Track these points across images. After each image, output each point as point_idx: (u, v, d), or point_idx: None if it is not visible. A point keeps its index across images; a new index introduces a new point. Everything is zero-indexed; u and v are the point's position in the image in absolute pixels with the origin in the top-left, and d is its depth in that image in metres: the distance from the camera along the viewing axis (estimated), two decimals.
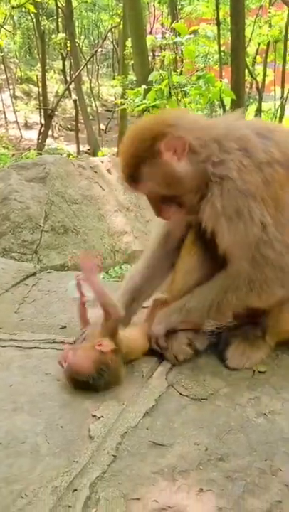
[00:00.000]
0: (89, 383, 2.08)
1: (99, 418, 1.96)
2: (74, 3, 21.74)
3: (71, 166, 5.74)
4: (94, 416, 1.97)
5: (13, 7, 13.88)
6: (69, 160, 6.25)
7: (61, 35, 21.05)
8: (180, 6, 23.36)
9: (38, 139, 20.26)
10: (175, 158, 2.06)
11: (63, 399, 2.08)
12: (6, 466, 1.73)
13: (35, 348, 2.42)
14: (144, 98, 8.03)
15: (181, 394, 2.13)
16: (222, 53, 15.87)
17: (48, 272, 3.26)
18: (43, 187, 4.98)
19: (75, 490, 1.64)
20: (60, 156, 6.67)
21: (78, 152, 19.99)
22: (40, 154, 17.09)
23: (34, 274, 3.23)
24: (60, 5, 21.05)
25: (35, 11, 14.01)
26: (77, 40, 23.38)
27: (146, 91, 8.12)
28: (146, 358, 2.36)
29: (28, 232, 4.52)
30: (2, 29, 13.50)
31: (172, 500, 1.62)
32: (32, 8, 12.40)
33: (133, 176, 2.12)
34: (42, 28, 20.38)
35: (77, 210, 5.19)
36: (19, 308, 2.84)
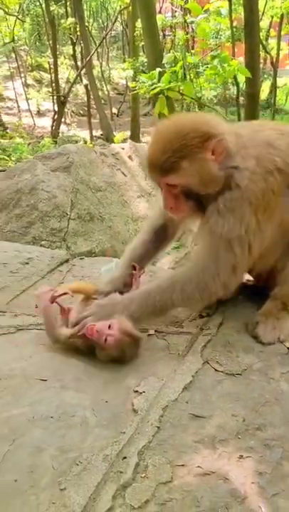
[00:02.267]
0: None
1: (141, 393, 2.09)
2: None
3: (93, 154, 5.85)
4: (136, 391, 2.11)
5: None
6: (91, 148, 6.35)
7: (70, 19, 20.95)
8: None
9: (52, 126, 20.33)
10: (214, 158, 2.21)
11: (106, 377, 2.22)
12: (60, 437, 1.87)
13: None
14: (159, 81, 8.04)
15: (216, 370, 2.25)
16: (234, 29, 15.69)
17: (80, 259, 3.40)
18: (67, 176, 5.09)
19: (125, 457, 1.78)
20: (83, 145, 6.78)
21: (92, 138, 20.03)
22: (56, 142, 17.21)
23: (67, 260, 3.37)
24: None
25: None
26: (86, 23, 23.23)
27: (161, 73, 8.14)
28: (182, 338, 2.49)
29: (56, 221, 4.64)
30: (14, 18, 13.50)
31: (214, 465, 1.76)
32: None
33: (168, 167, 2.23)
34: (52, 13, 20.27)
35: (102, 197, 5.30)
36: None
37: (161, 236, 2.79)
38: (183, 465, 1.76)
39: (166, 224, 2.75)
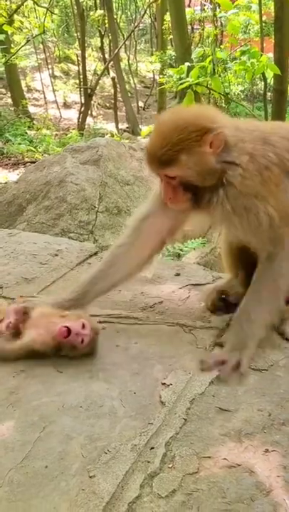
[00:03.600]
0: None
1: (168, 386, 2.13)
2: None
3: (122, 148, 5.89)
4: (164, 384, 2.15)
5: None
6: (120, 142, 6.38)
7: (99, 11, 20.97)
8: None
9: (78, 118, 20.41)
10: (212, 151, 2.27)
11: (133, 368, 2.26)
12: (89, 426, 1.93)
13: (104, 322, 2.61)
14: (187, 75, 8.02)
15: None
16: (263, 24, 15.51)
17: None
18: (96, 169, 5.14)
19: (152, 448, 1.82)
20: (112, 138, 6.81)
21: (118, 131, 20.07)
22: (82, 134, 17.29)
23: (96, 253, 3.42)
24: None
25: None
26: (114, 16, 23.23)
27: (189, 68, 8.12)
28: (209, 332, 2.52)
29: (84, 213, 4.70)
30: (45, 10, 13.57)
31: (240, 458, 1.79)
32: None
33: (167, 160, 2.27)
34: (81, 5, 20.32)
35: (130, 191, 5.33)
36: None
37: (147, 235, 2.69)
38: (209, 457, 1.79)
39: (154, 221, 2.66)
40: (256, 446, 1.84)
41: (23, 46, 16.49)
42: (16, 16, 11.57)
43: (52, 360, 2.31)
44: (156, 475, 1.72)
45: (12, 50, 15.70)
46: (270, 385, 2.15)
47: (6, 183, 8.73)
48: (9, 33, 11.89)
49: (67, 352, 2.32)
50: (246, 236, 2.43)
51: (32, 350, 2.30)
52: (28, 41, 16.17)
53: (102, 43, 24.21)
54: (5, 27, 10.70)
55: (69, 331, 2.28)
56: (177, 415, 1.98)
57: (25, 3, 13.34)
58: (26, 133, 16.39)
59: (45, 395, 2.09)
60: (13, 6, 12.53)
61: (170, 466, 1.76)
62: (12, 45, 17.20)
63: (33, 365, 2.28)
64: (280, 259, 2.37)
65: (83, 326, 2.32)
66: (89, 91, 20.21)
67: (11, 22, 10.86)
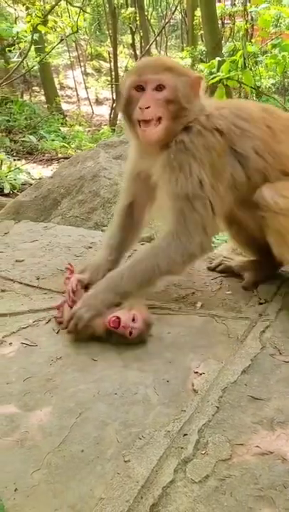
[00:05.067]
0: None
1: (201, 374, 2.17)
2: None
3: None
4: (196, 372, 2.18)
5: None
6: None
7: (130, 9, 21.02)
8: None
9: (110, 114, 20.52)
10: (193, 90, 2.54)
11: (166, 357, 2.30)
12: (123, 413, 1.97)
13: None
14: (218, 70, 8.00)
15: (274, 355, 2.29)
16: None
17: (141, 244, 3.48)
18: None
19: (186, 434, 1.86)
20: None
21: None
22: (114, 130, 17.40)
23: None
24: None
25: None
26: (145, 13, 23.23)
27: (220, 63, 8.09)
28: (241, 323, 2.54)
29: None
30: (78, 9, 13.74)
31: (273, 446, 1.81)
32: None
33: (163, 67, 2.51)
34: (113, 3, 20.42)
35: None
36: None
37: (133, 218, 2.94)
38: (242, 444, 1.82)
39: (133, 203, 2.90)
40: (288, 434, 1.85)
41: (56, 45, 16.66)
42: (49, 16, 11.71)
43: (87, 348, 2.37)
44: (189, 461, 1.75)
45: (46, 49, 15.89)
46: None
47: (40, 178, 8.88)
48: (43, 32, 12.03)
49: (117, 339, 2.38)
50: (167, 200, 2.55)
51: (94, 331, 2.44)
52: (61, 40, 16.34)
53: (133, 39, 24.26)
54: (39, 27, 10.84)
55: (119, 321, 2.34)
56: (210, 403, 2.00)
57: (59, 3, 13.46)
58: (59, 129, 16.59)
59: (81, 383, 2.14)
60: (47, 7, 12.68)
61: (203, 452, 1.79)
62: (46, 44, 17.42)
63: (69, 353, 2.34)
64: (175, 239, 2.52)
65: (133, 319, 2.37)
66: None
67: (45, 22, 11.00)
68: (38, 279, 3.07)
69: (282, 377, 2.15)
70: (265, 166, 2.60)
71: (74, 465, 1.75)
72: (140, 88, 2.49)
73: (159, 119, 2.47)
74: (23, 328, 2.54)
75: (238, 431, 1.88)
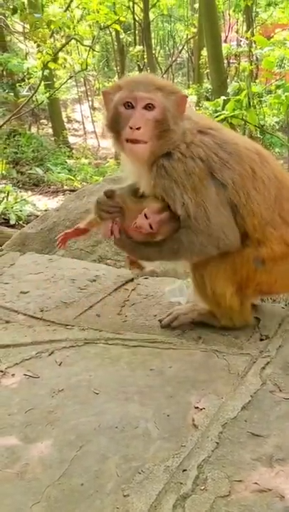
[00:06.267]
0: None
1: (201, 410, 2.18)
2: (151, 16, 22.24)
3: None
4: (196, 408, 2.19)
5: (100, 28, 14.59)
6: None
7: (138, 47, 21.60)
8: (255, 13, 23.24)
9: None
10: (178, 109, 2.57)
11: (167, 391, 2.32)
12: (124, 446, 1.98)
13: (139, 346, 2.68)
14: (223, 108, 8.20)
15: (274, 391, 2.31)
16: None
17: (145, 278, 3.53)
18: None
19: (185, 470, 1.86)
20: None
21: None
22: (119, 163, 17.68)
23: (132, 279, 3.50)
24: (137, 18, 21.64)
25: (120, 30, 14.63)
26: (153, 51, 23.86)
27: (225, 102, 8.30)
28: (242, 358, 2.57)
29: None
30: (87, 47, 14.20)
31: (271, 483, 1.81)
32: (118, 27, 12.98)
33: (155, 87, 2.53)
34: (121, 42, 21.05)
35: None
36: (121, 311, 3.13)
37: None
38: (241, 481, 1.82)
39: None
40: (287, 471, 1.86)
41: (65, 82, 17.09)
42: (60, 53, 12.06)
43: (89, 380, 2.39)
44: (188, 496, 1.75)
45: (55, 85, 16.30)
46: None
47: (46, 210, 9.00)
48: (53, 68, 12.38)
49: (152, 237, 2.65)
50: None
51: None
52: (70, 77, 16.76)
53: None
54: (50, 64, 11.16)
55: (136, 226, 2.60)
56: (210, 439, 2.02)
57: (69, 42, 13.89)
58: (66, 162, 16.86)
59: (83, 415, 2.16)
60: (58, 45, 13.07)
61: (202, 488, 1.79)
62: (55, 79, 17.86)
63: (71, 385, 2.36)
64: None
65: (146, 216, 2.58)
66: None
67: (55, 59, 11.32)
68: (42, 311, 3.11)
69: (282, 414, 2.16)
70: (239, 202, 2.63)
71: (73, 499, 1.76)
72: (129, 105, 2.50)
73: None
74: (26, 359, 2.57)
75: (237, 467, 1.88)
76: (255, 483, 1.81)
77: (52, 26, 9.98)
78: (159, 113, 2.48)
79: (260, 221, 2.63)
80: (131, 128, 2.45)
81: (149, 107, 2.48)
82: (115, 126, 2.55)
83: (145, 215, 2.57)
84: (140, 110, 2.48)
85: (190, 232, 2.58)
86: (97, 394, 2.31)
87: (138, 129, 2.45)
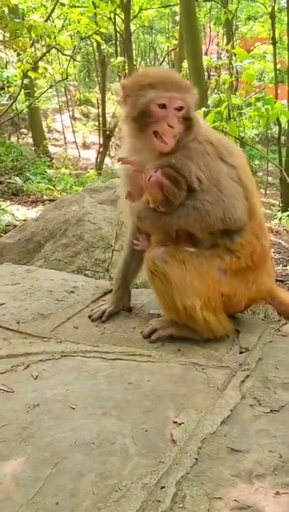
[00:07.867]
0: None
1: (180, 424, 2.14)
2: (132, 28, 22.39)
3: None
4: (175, 422, 2.15)
5: (81, 38, 14.64)
6: None
7: (120, 58, 21.68)
8: (235, 27, 23.58)
9: (97, 158, 20.83)
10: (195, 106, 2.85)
11: (146, 406, 2.27)
12: (100, 463, 1.93)
13: (117, 359, 2.64)
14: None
15: (254, 405, 2.28)
16: (277, 72, 15.98)
17: None
18: (113, 209, 5.24)
19: (163, 487, 1.82)
20: None
21: None
22: (100, 174, 17.64)
23: (111, 291, 3.46)
24: (118, 29, 21.76)
25: (101, 40, 14.69)
26: (134, 62, 23.98)
27: (206, 113, 8.36)
28: (221, 372, 2.54)
29: (101, 252, 4.77)
30: (68, 57, 14.18)
31: (251, 500, 1.77)
32: (99, 38, 13.03)
33: (186, 88, 2.77)
34: (102, 52, 21.12)
35: None
36: (99, 323, 3.09)
37: None
38: (220, 498, 1.78)
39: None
40: (267, 488, 1.82)
41: (45, 91, 17.04)
42: (40, 63, 12.04)
43: (66, 395, 2.33)
44: None
45: (36, 94, 16.24)
46: (281, 426, 2.14)
47: (25, 220, 8.91)
48: (33, 77, 12.32)
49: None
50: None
51: None
52: (50, 87, 16.72)
53: None
54: (30, 73, 11.11)
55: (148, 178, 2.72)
56: (188, 454, 1.97)
57: (49, 51, 13.87)
58: (46, 172, 16.72)
59: (58, 431, 2.10)
60: (38, 54, 13.03)
61: (180, 506, 1.75)
62: (35, 89, 17.79)
63: (47, 400, 2.30)
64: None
65: (148, 178, 2.71)
66: (108, 132, 20.68)
67: (35, 68, 11.28)
68: (18, 322, 3.04)
69: (261, 429, 2.13)
70: (245, 184, 2.89)
71: None
72: (163, 106, 2.66)
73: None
74: (1, 373, 2.50)
75: (216, 484, 1.84)
76: (235, 500, 1.77)
77: (33, 33, 9.93)
78: (187, 112, 2.72)
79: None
80: (168, 125, 2.66)
81: (180, 107, 2.69)
82: (143, 120, 2.69)
83: (149, 178, 2.71)
84: (173, 111, 2.68)
85: (199, 201, 2.73)
86: (74, 409, 2.25)
87: (171, 127, 2.67)
